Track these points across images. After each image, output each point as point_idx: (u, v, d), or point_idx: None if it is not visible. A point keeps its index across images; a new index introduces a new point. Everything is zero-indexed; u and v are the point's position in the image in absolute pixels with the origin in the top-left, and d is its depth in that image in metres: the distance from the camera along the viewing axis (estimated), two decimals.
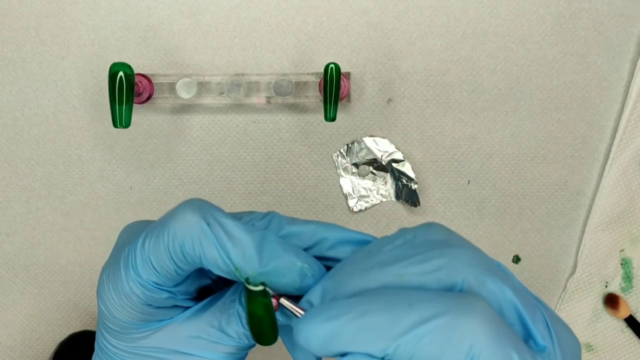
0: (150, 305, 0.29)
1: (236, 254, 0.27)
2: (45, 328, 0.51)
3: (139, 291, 0.28)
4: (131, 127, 0.48)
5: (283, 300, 0.26)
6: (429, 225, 0.27)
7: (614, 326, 0.50)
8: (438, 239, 0.26)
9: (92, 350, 0.36)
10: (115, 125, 0.41)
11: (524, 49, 0.47)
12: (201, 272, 0.31)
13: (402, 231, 0.27)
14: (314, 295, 0.26)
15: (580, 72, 0.48)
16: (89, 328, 0.51)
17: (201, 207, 0.28)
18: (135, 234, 0.31)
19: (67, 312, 0.51)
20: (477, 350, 0.22)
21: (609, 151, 0.48)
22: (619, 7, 0.47)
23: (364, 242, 0.29)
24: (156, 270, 0.28)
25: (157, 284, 0.28)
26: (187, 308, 0.31)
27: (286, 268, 0.27)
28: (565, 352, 0.25)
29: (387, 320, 0.22)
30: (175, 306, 0.30)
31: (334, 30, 0.47)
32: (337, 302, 0.24)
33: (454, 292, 0.24)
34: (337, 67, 0.42)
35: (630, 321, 0.49)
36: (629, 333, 0.50)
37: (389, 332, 0.22)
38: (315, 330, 0.24)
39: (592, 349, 0.50)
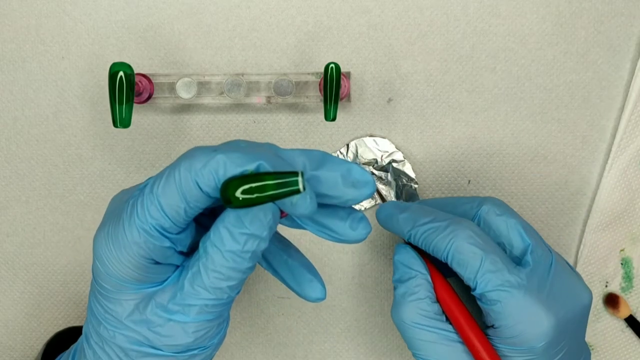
0: (148, 259, 0.30)
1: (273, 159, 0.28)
2: (45, 328, 0.51)
3: (142, 239, 0.29)
4: (131, 127, 0.48)
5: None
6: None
7: (614, 326, 0.50)
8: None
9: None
10: (115, 125, 0.41)
11: (524, 49, 0.47)
12: (197, 227, 0.32)
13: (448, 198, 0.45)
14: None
15: (580, 72, 0.48)
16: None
17: (208, 146, 0.29)
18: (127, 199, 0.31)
19: (68, 311, 0.51)
20: (453, 245, 0.38)
21: (609, 151, 0.48)
22: (619, 7, 0.47)
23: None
24: (165, 213, 0.29)
25: (162, 228, 0.29)
26: (178, 267, 0.32)
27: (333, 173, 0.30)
28: (540, 272, 0.38)
29: (417, 217, 0.40)
30: (169, 265, 0.31)
31: (334, 30, 0.47)
32: (401, 202, 0.44)
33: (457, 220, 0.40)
34: (337, 66, 0.42)
35: (630, 321, 0.49)
36: (629, 333, 0.50)
37: (414, 222, 0.40)
38: (386, 211, 0.43)
39: (592, 349, 0.50)
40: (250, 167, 0.27)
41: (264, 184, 0.26)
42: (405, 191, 0.48)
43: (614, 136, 0.48)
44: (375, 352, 0.51)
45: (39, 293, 0.51)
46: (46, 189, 0.49)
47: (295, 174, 0.26)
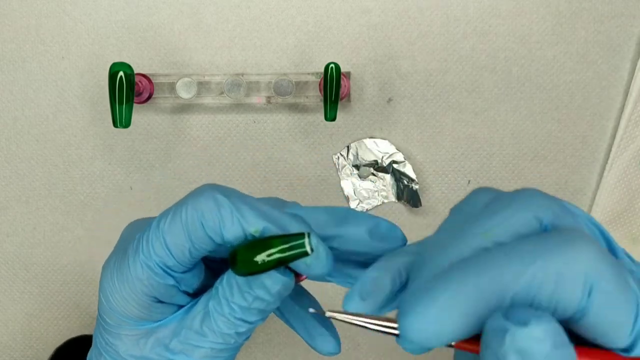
0: (151, 297, 0.29)
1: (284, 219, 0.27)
2: (45, 328, 0.51)
3: (145, 275, 0.28)
4: (131, 127, 0.48)
5: (372, 324, 0.23)
6: (475, 192, 0.24)
7: None
8: (491, 197, 0.23)
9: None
10: (115, 125, 0.41)
11: (524, 49, 0.47)
12: (207, 270, 0.31)
13: (453, 210, 0.25)
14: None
15: (580, 72, 0.48)
16: (88, 329, 0.51)
17: (219, 186, 0.28)
18: (140, 229, 0.30)
19: (67, 311, 0.51)
20: (594, 279, 0.20)
21: (609, 151, 0.48)
22: (619, 7, 0.47)
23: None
24: (169, 251, 0.28)
25: (166, 266, 0.28)
26: (182, 308, 0.30)
27: (357, 230, 0.28)
28: None
29: (491, 278, 0.20)
30: (172, 305, 0.30)
31: (334, 30, 0.47)
32: (420, 287, 0.21)
33: (545, 233, 0.21)
34: (337, 66, 0.42)
35: None
36: None
37: (501, 286, 0.20)
38: (422, 326, 0.20)
39: None
40: (257, 227, 0.26)
41: (270, 250, 0.25)
42: (407, 192, 0.48)
43: (614, 136, 0.48)
44: (376, 352, 0.51)
45: (39, 293, 0.51)
46: (46, 189, 0.49)
47: (302, 235, 0.25)
